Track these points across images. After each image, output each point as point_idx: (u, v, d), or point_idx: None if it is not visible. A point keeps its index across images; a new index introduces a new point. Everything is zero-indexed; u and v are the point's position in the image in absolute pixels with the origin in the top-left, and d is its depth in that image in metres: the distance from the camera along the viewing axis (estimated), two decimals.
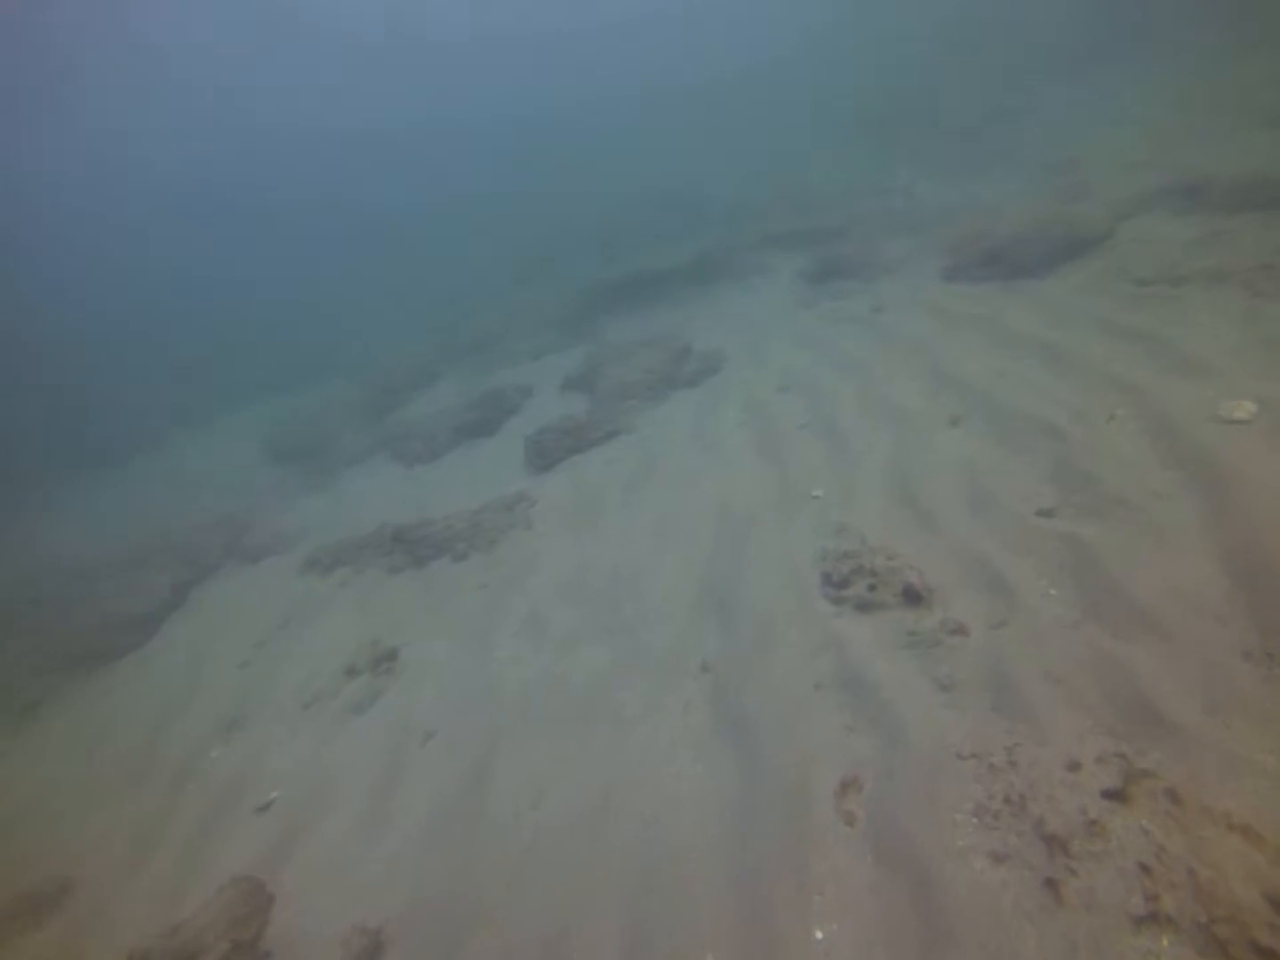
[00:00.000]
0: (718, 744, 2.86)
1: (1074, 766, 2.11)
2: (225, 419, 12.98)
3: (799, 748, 2.63)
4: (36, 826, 4.17)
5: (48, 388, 20.70)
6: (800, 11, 31.27)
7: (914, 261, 6.81)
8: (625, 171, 21.97)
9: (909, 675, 2.72)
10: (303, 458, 8.96)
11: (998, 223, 6.45)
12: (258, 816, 3.57)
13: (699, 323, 7.81)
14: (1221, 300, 4.22)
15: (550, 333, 9.65)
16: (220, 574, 6.58)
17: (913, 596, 3.15)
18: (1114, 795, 1.99)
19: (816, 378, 5.42)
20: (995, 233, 5.99)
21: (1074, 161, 7.95)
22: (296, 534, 6.67)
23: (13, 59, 30.84)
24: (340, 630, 4.91)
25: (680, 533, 4.34)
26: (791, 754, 2.63)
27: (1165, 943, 1.65)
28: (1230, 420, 3.24)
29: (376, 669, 4.17)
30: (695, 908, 2.26)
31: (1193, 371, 3.67)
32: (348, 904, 2.88)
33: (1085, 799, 2.00)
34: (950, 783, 2.22)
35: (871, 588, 3.27)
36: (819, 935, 2.02)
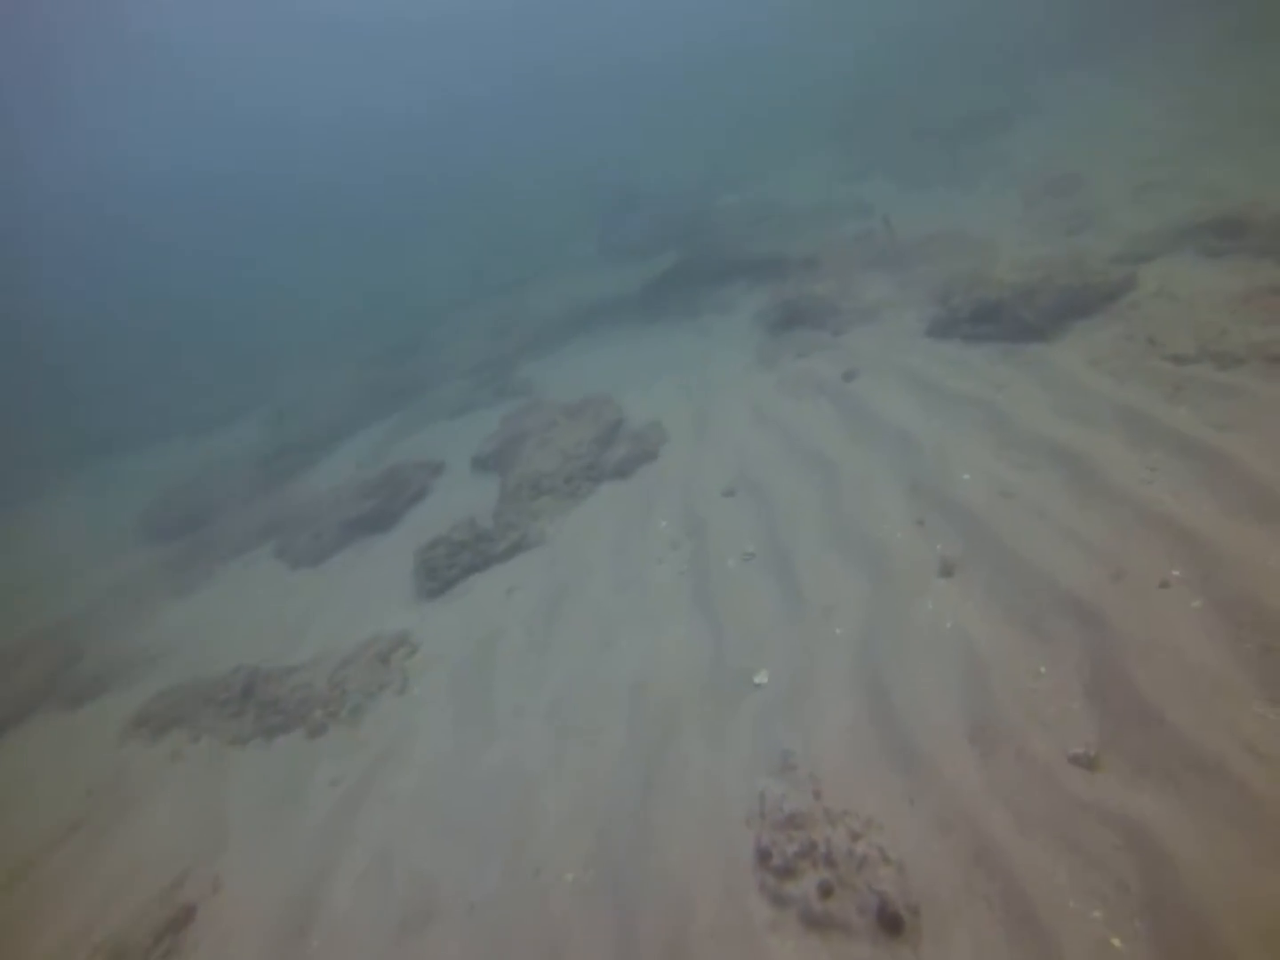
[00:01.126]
0: None
1: None
2: (123, 462, 11.81)
3: None
4: None
5: None
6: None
7: (894, 309, 5.84)
8: (590, 161, 21.04)
9: None
10: (181, 534, 7.85)
11: (993, 263, 5.52)
12: None
13: (640, 378, 6.80)
14: None
15: (479, 379, 8.60)
16: (30, 723, 5.44)
17: (888, 921, 2.14)
18: None
19: (772, 477, 4.42)
20: (990, 278, 5.04)
21: (1076, 178, 7.05)
22: (140, 664, 5.57)
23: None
24: (145, 846, 3.82)
25: (582, 730, 3.31)
26: None
27: None
28: None
29: (159, 944, 3.08)
30: None
31: (1275, 515, 2.71)
32: None
33: None
34: None
35: (826, 890, 2.27)
36: None
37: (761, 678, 3.11)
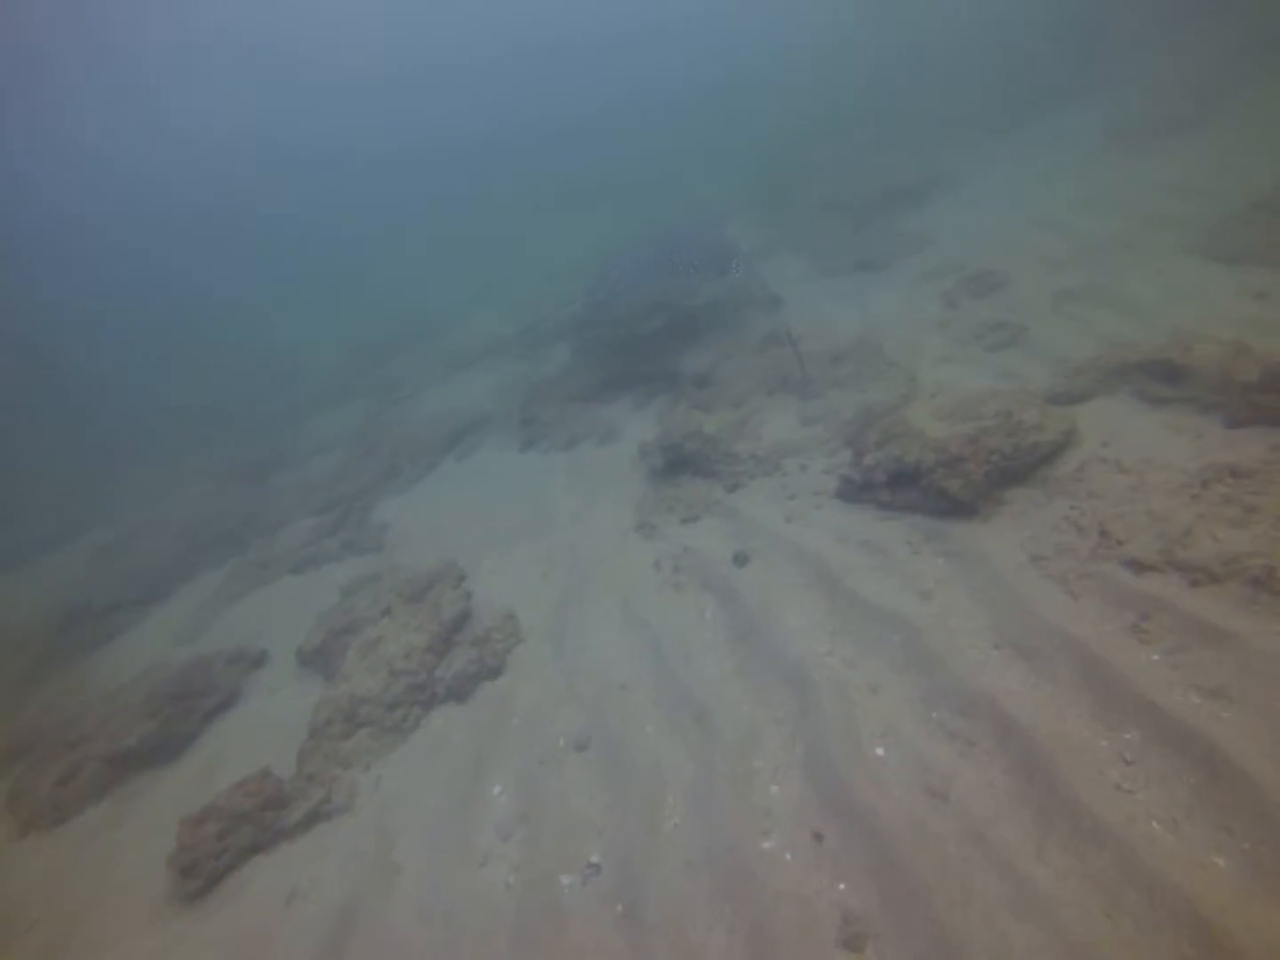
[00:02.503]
0: None
1: None
2: None
3: None
4: None
5: None
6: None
7: (799, 455, 5.07)
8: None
9: None
10: None
11: (912, 394, 4.83)
12: None
13: (503, 533, 5.84)
14: None
15: (332, 517, 7.45)
16: None
17: None
18: None
19: (634, 730, 3.45)
20: (909, 425, 4.31)
21: (994, 277, 6.59)
22: None
23: None
24: None
25: None
26: None
27: None
28: None
29: None
30: None
31: None
32: None
33: None
34: None
35: None
36: None
37: None
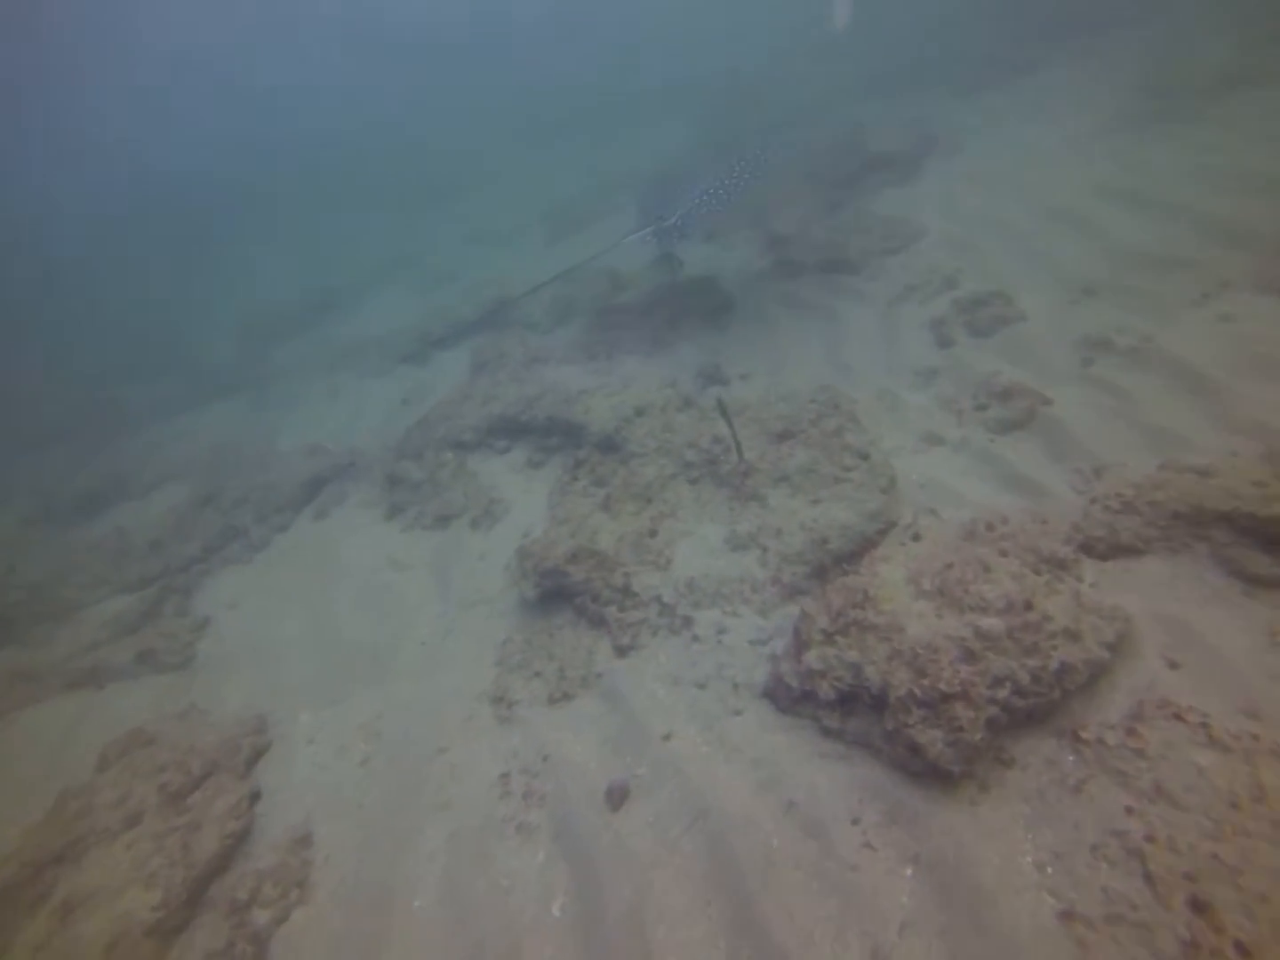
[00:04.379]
0: None
1: None
2: None
3: None
4: None
5: None
6: None
7: (720, 605, 3.71)
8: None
9: None
10: None
11: (878, 549, 3.48)
12: None
13: (334, 661, 4.48)
14: None
15: (139, 607, 5.92)
16: None
17: None
18: None
19: None
20: (874, 612, 2.97)
21: (1004, 305, 5.15)
22: None
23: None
24: None
25: None
26: None
27: None
28: None
29: None
30: None
31: None
32: None
33: None
34: None
35: None
36: None
37: None
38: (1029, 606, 2.77)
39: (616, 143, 16.40)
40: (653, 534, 4.13)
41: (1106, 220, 5.78)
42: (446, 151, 20.60)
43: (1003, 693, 2.56)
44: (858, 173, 8.62)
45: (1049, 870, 2.26)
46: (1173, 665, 2.66)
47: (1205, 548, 3.01)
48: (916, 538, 3.31)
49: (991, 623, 2.74)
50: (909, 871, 2.42)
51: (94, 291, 19.47)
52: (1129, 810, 2.29)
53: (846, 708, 2.90)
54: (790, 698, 3.07)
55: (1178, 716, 2.45)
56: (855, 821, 2.59)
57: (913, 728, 2.58)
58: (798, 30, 17.19)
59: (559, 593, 4.00)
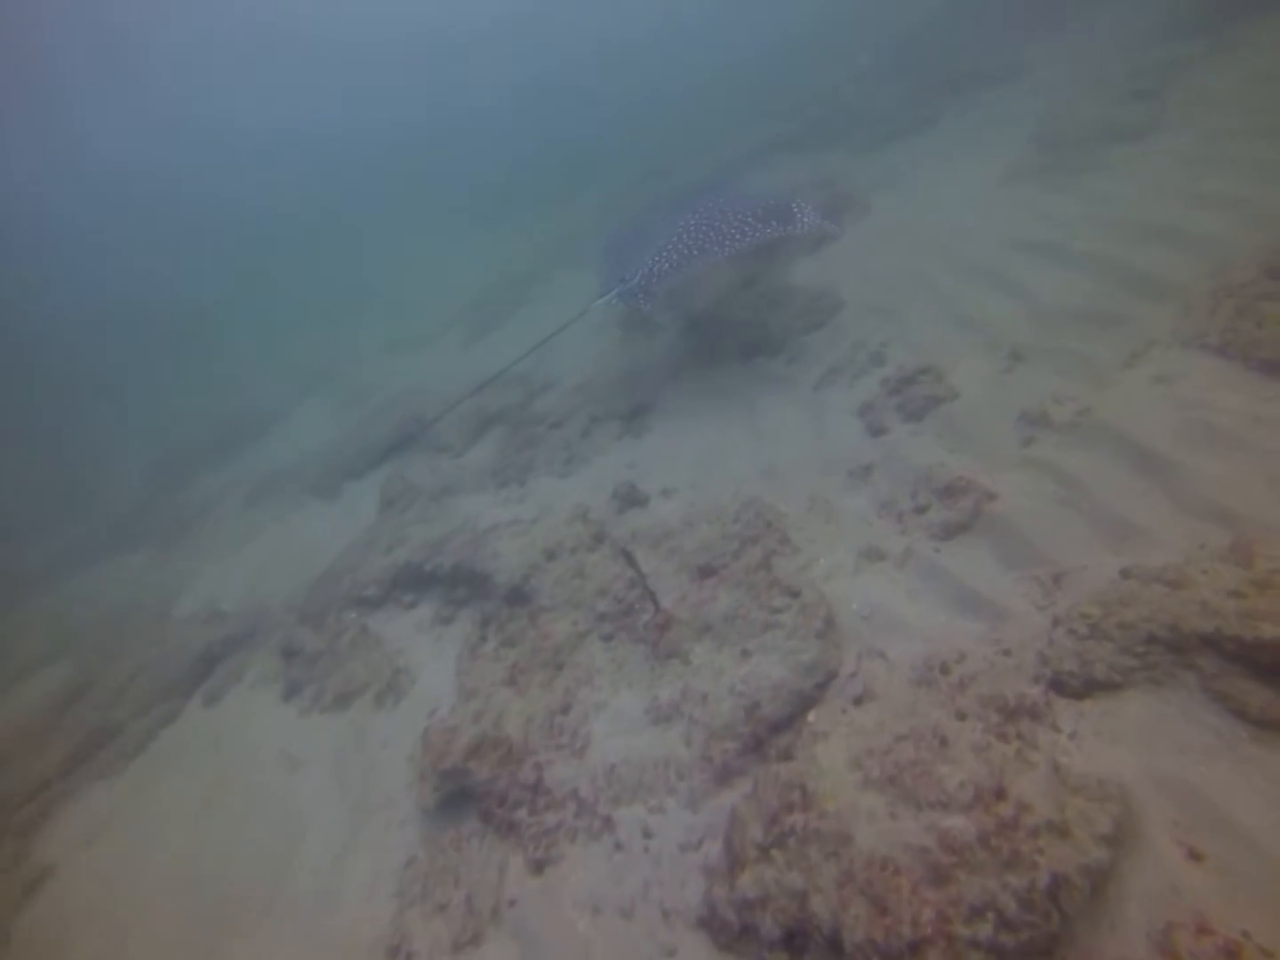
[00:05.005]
0: None
1: None
2: None
3: None
4: None
5: None
6: None
7: (642, 800, 3.19)
8: None
9: None
10: None
11: (815, 731, 3.03)
12: None
13: (205, 917, 3.73)
14: None
15: None
16: None
17: None
18: None
19: None
20: (815, 814, 2.50)
21: (934, 381, 4.88)
22: None
23: None
24: None
25: None
26: None
27: None
28: None
29: None
30: None
31: None
32: None
33: None
34: None
35: None
36: None
37: None
38: (1001, 795, 2.30)
39: (529, 224, 16.52)
40: (565, 710, 3.61)
41: (1025, 275, 5.63)
42: (377, 250, 20.59)
43: (985, 929, 2.06)
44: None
45: None
46: (1194, 856, 2.19)
47: (1193, 678, 2.59)
48: (859, 701, 2.85)
49: (958, 824, 2.26)
50: None
51: None
52: None
53: (797, 946, 2.36)
54: (729, 934, 2.52)
55: (1229, 953, 1.95)
56: None
57: None
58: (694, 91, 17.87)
59: (461, 798, 3.43)
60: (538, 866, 3.09)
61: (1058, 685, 2.82)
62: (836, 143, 11.86)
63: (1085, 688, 2.77)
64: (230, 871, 3.96)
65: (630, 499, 5.20)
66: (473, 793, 3.42)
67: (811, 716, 3.10)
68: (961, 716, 2.64)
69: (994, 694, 2.73)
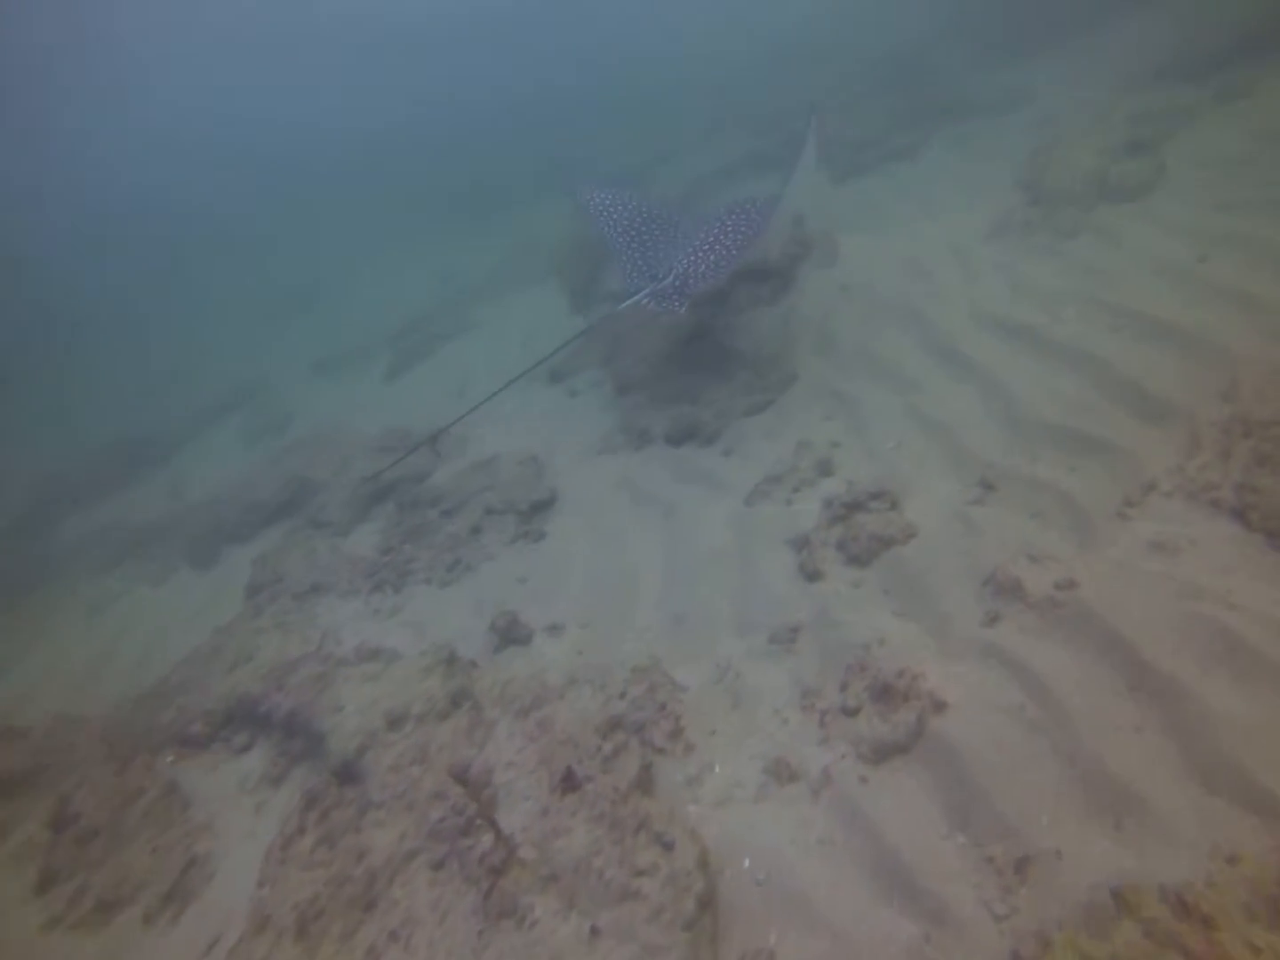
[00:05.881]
0: None
1: None
2: None
3: None
4: None
5: None
6: None
7: None
8: None
9: None
10: None
11: None
12: None
13: None
14: None
15: None
16: None
17: None
18: None
19: None
20: None
21: (885, 516, 4.09)
22: None
23: None
24: None
25: None
26: None
27: None
28: None
29: None
30: None
31: None
32: None
33: None
34: None
35: None
36: None
37: None
38: None
39: (493, 227, 15.54)
40: None
41: (1002, 367, 4.84)
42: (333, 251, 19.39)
43: None
44: (724, 286, 7.72)
45: None
46: None
47: None
48: None
49: None
50: None
51: None
52: None
53: None
54: None
55: None
56: None
57: None
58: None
59: None
60: None
61: None
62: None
63: None
64: None
65: (510, 635, 4.34)
66: None
67: None
68: None
69: None
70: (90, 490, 10.52)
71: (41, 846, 4.13)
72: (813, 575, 3.92)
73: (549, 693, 3.79)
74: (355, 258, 17.04)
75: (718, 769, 3.15)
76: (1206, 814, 2.37)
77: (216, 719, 4.56)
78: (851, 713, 3.13)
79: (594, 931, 2.63)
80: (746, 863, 2.75)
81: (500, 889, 2.87)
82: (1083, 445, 3.98)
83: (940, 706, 2.99)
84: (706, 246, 5.26)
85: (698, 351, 6.50)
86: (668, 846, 2.73)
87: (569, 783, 3.14)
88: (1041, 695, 2.90)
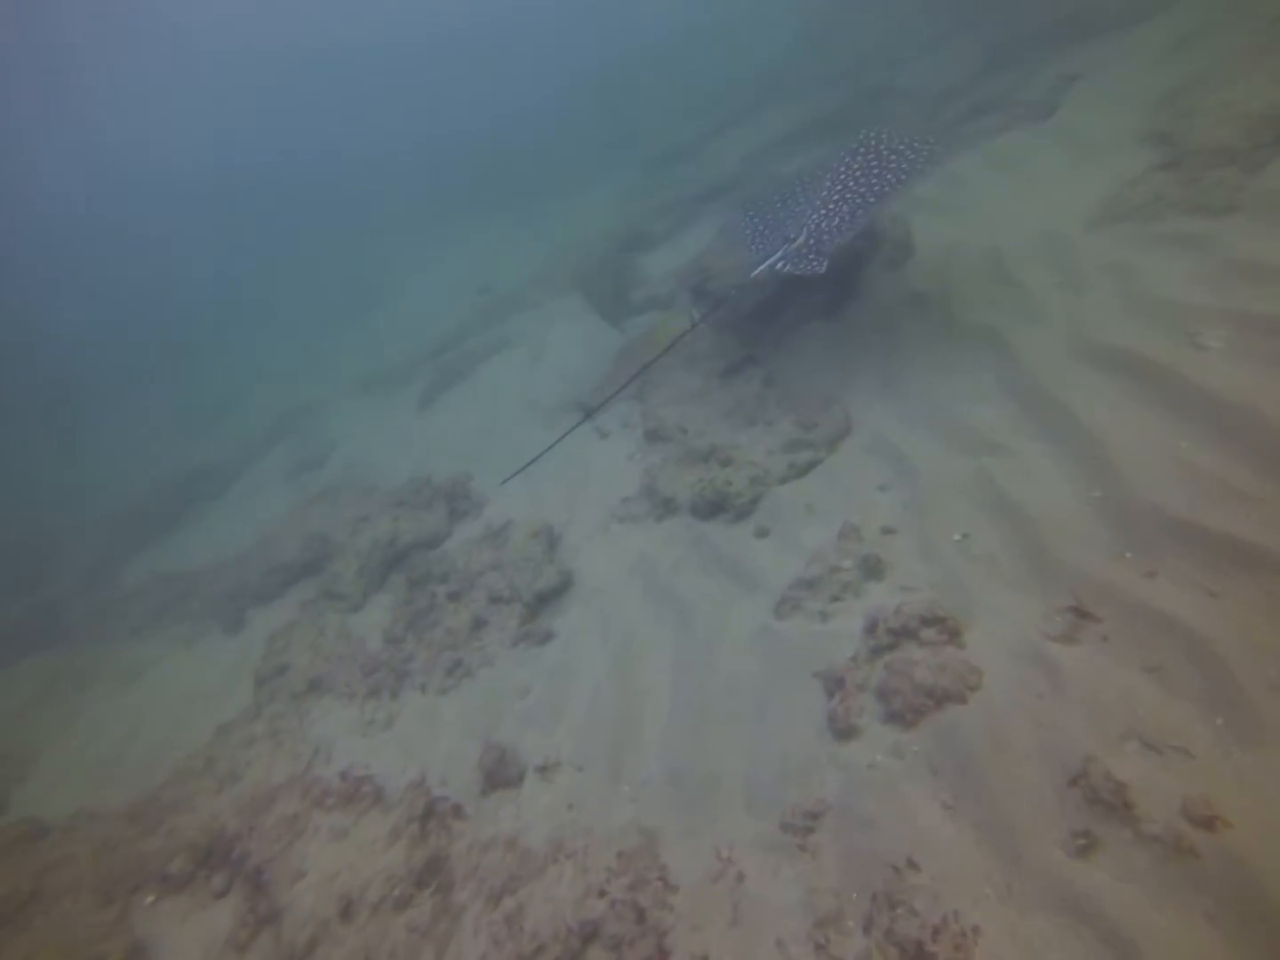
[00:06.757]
0: None
1: None
2: None
3: None
4: None
5: None
6: None
7: None
8: None
9: None
10: None
11: None
12: None
13: None
14: None
15: None
16: None
17: None
18: None
19: None
20: None
21: (942, 693, 3.25)
22: None
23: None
24: None
25: None
26: None
27: None
28: None
29: None
30: None
31: None
32: None
33: None
34: None
35: None
36: None
37: None
38: None
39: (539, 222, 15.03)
40: None
41: (1109, 424, 3.83)
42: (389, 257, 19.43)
43: None
44: (776, 295, 6.80)
45: None
46: None
47: None
48: None
49: None
50: None
51: None
52: None
53: None
54: None
55: None
56: None
57: None
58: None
59: None
60: None
61: None
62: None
63: None
64: None
65: (497, 776, 3.84)
66: None
67: None
68: None
69: None
70: (155, 527, 10.91)
71: None
72: (843, 733, 3.18)
73: (527, 870, 3.30)
74: (405, 270, 17.07)
75: None
76: None
77: (198, 853, 4.33)
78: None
79: None
80: None
81: None
82: (1231, 556, 2.98)
83: None
84: (837, 197, 4.79)
85: (735, 391, 5.71)
86: None
87: None
88: None
